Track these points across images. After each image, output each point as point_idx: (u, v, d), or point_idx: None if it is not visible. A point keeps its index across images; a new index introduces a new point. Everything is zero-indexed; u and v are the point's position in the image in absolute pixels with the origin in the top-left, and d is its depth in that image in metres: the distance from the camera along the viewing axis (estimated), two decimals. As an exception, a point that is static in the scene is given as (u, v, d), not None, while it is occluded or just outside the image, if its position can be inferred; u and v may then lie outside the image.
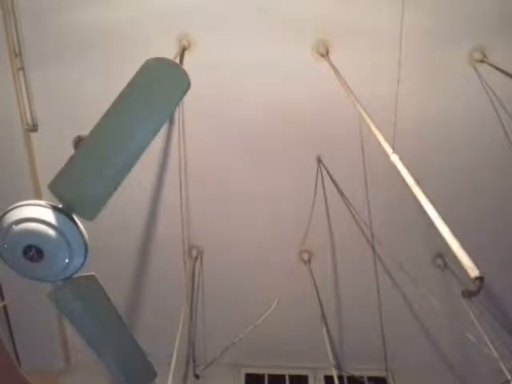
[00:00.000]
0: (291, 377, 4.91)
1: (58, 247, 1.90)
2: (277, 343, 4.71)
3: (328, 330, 4.41)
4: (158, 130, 1.91)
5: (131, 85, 1.84)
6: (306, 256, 4.43)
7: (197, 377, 3.78)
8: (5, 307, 4.33)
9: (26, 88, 3.56)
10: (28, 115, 3.64)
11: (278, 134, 3.87)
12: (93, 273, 2.13)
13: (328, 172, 3.94)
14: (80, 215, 1.97)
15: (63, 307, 2.18)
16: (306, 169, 3.98)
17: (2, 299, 4.23)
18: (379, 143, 2.38)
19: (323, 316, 4.31)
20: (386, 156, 2.29)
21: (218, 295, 4.53)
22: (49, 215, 1.89)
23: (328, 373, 4.50)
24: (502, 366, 3.49)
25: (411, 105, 3.54)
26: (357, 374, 4.56)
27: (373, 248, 3.86)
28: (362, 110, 2.67)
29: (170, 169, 3.95)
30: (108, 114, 1.87)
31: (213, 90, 3.60)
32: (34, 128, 3.71)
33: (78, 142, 3.51)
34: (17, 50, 3.42)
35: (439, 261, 4.40)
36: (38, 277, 2.02)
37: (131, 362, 2.44)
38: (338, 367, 4.41)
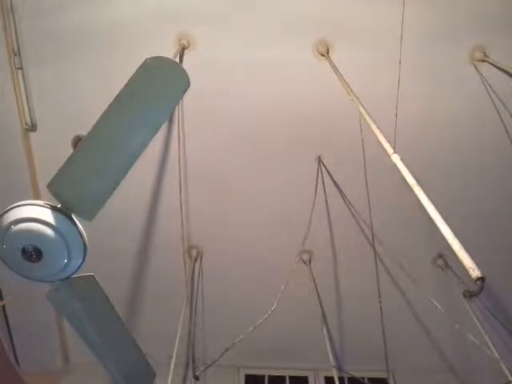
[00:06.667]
0: (291, 378, 4.90)
1: (56, 247, 1.89)
2: (277, 344, 4.70)
3: (328, 331, 4.40)
4: (157, 129, 1.90)
5: (130, 84, 1.83)
6: (306, 256, 4.42)
7: (196, 378, 3.76)
8: (4, 307, 4.32)
9: (25, 87, 3.55)
10: (27, 115, 3.63)
11: (278, 133, 3.86)
12: (92, 273, 2.12)
13: (328, 172, 3.93)
14: (79, 215, 1.96)
15: (62, 307, 2.17)
16: (306, 169, 3.97)
17: (1, 299, 4.22)
18: (380, 143, 2.37)
19: (323, 317, 4.30)
20: (387, 156, 2.28)
21: (217, 296, 4.52)
22: (47, 215, 1.88)
23: (328, 374, 4.48)
24: (503, 367, 3.47)
25: (412, 104, 3.53)
26: (357, 375, 4.54)
27: (373, 248, 3.85)
28: (362, 110, 2.66)
29: (169, 168, 3.94)
30: (107, 113, 1.86)
31: (212, 89, 3.59)
32: (32, 128, 3.70)
33: (77, 141, 3.51)
34: (16, 50, 3.41)
35: (440, 261, 4.40)
36: (37, 277, 2.01)
37: (130, 362, 2.43)
38: (339, 368, 4.40)
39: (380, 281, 3.84)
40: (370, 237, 3.86)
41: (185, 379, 4.37)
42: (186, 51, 3.43)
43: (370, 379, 4.76)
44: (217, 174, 4.07)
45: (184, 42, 3.41)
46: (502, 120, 3.45)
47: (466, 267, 1.61)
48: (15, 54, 3.42)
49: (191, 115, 3.71)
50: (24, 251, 1.85)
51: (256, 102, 3.69)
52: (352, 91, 2.87)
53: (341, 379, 4.26)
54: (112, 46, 3.47)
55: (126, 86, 1.84)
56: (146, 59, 1.81)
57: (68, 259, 1.93)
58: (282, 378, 4.91)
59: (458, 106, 3.67)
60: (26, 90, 3.56)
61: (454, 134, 3.81)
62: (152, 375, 2.55)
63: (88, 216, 1.95)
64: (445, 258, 4.36)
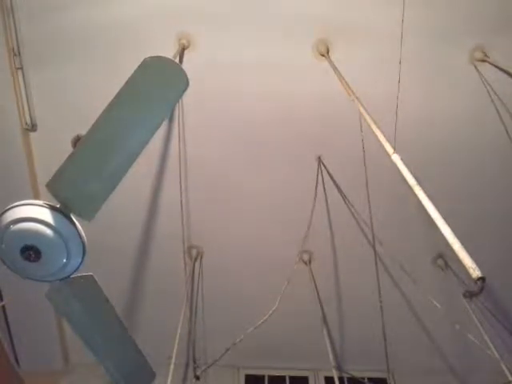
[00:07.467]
0: (291, 378, 4.90)
1: (55, 247, 1.89)
2: (277, 344, 4.70)
3: (328, 331, 4.40)
4: (157, 128, 1.90)
5: (129, 83, 1.83)
6: (306, 256, 4.42)
7: (197, 378, 3.76)
8: (3, 308, 4.32)
9: (25, 88, 3.55)
10: (27, 115, 3.63)
11: (279, 133, 3.86)
12: (91, 273, 2.12)
13: (328, 172, 3.93)
14: (78, 215, 1.96)
15: (61, 307, 2.18)
16: (306, 169, 3.96)
17: (1, 300, 4.22)
18: (380, 143, 2.37)
19: (324, 317, 4.30)
20: (387, 156, 2.28)
21: (217, 296, 4.52)
22: (46, 215, 1.88)
23: (328, 374, 4.49)
24: (503, 367, 3.47)
25: (412, 104, 3.53)
26: (357, 375, 4.54)
27: (373, 248, 3.84)
28: (362, 110, 2.65)
29: (169, 168, 3.94)
30: (106, 113, 1.86)
31: (212, 90, 3.59)
32: (32, 128, 3.70)
33: (77, 141, 3.50)
34: (16, 50, 3.41)
35: (440, 261, 4.39)
36: (36, 277, 2.01)
37: (130, 363, 2.43)
38: (339, 368, 4.40)
39: (380, 281, 3.83)
40: (370, 237, 3.86)
41: (185, 379, 4.37)
42: (186, 51, 3.43)
43: (370, 379, 4.75)
44: (217, 174, 4.06)
45: (184, 41, 3.41)
46: (501, 120, 3.45)
47: (466, 267, 1.61)
48: (15, 54, 3.42)
49: (192, 115, 3.71)
50: (23, 251, 1.85)
51: (256, 102, 3.69)
52: (352, 91, 2.86)
53: (341, 379, 4.26)
54: (112, 46, 3.46)
55: (125, 85, 1.84)
56: (146, 59, 1.81)
57: (67, 259, 1.93)
58: (282, 377, 4.91)
59: (457, 106, 3.67)
60: (25, 90, 3.56)
61: (454, 134, 3.81)
62: (152, 375, 2.55)
63: (87, 216, 1.95)
64: (445, 257, 4.35)
